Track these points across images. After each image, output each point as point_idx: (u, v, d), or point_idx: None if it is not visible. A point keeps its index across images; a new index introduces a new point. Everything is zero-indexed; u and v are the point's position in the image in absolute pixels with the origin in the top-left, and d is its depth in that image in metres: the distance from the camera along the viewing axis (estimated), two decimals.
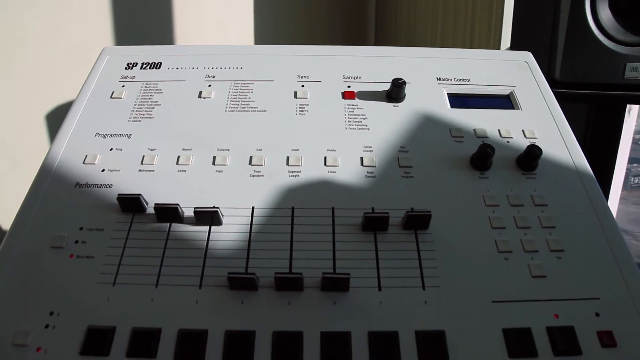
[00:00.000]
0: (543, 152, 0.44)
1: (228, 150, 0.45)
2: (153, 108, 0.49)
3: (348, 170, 0.44)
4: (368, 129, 0.47)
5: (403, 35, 1.06)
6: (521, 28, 0.65)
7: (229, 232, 0.40)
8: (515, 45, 0.65)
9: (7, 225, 0.90)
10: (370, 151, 0.45)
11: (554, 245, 0.40)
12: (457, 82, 0.52)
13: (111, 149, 0.45)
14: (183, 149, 0.45)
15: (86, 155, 0.45)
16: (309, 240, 0.39)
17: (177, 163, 0.44)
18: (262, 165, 0.44)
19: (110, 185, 0.43)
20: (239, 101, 0.49)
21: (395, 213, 0.41)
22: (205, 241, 0.39)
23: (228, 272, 0.36)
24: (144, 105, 0.49)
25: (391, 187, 0.43)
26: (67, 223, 0.40)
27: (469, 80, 0.52)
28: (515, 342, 0.35)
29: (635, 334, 0.36)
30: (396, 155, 0.45)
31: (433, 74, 0.52)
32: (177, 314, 0.36)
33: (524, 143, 0.46)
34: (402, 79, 0.48)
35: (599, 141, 0.67)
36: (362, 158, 0.45)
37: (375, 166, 0.44)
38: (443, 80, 0.52)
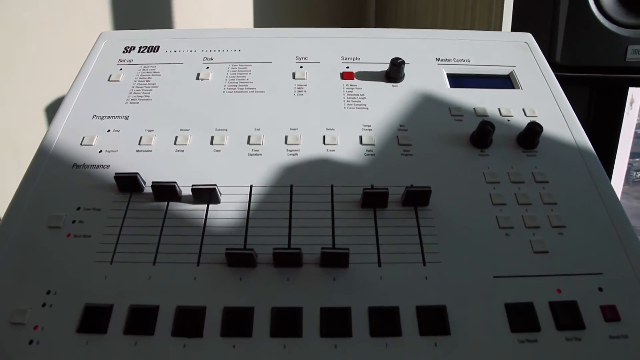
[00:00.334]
0: (544, 129, 0.43)
1: (226, 130, 0.45)
2: (151, 90, 0.48)
3: (347, 148, 0.44)
4: (367, 109, 0.47)
5: (404, 17, 1.05)
6: (522, 11, 0.65)
7: (227, 210, 0.39)
8: (516, 29, 0.64)
9: None
10: (370, 130, 0.45)
11: (555, 221, 0.40)
12: (457, 63, 0.51)
13: (108, 131, 0.45)
14: (181, 130, 0.45)
15: (83, 137, 0.44)
16: (307, 217, 0.39)
17: (174, 143, 0.44)
18: (260, 144, 0.44)
19: (108, 166, 0.42)
20: (237, 82, 0.49)
21: (395, 190, 0.40)
22: (203, 219, 0.39)
23: (226, 248, 0.35)
24: (141, 87, 0.49)
25: (391, 164, 0.43)
26: (64, 203, 0.40)
27: (468, 61, 0.52)
28: (518, 317, 0.34)
29: (638, 308, 0.35)
30: (395, 133, 0.45)
31: (432, 54, 0.52)
32: (175, 291, 0.35)
33: (524, 121, 0.46)
34: (401, 59, 0.48)
35: (601, 126, 0.66)
36: (361, 137, 0.44)
37: (374, 144, 0.44)
38: (442, 60, 0.52)
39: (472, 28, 0.76)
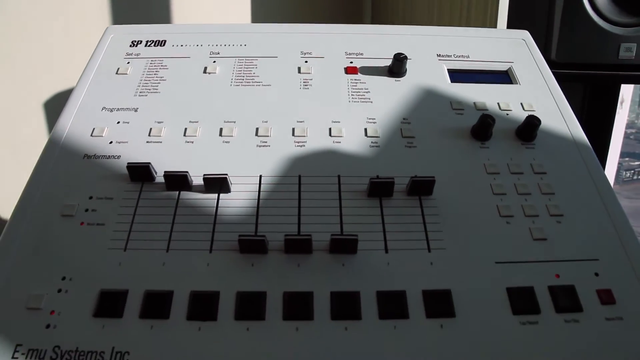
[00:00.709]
0: (541, 123, 0.45)
1: (234, 122, 0.46)
2: (159, 83, 0.49)
3: (353, 140, 0.45)
4: (371, 102, 0.48)
5: (400, 15, 1.07)
6: (518, 10, 0.67)
7: (237, 199, 0.40)
8: (512, 27, 0.66)
9: (7, 213, 0.90)
10: (374, 122, 0.46)
11: (553, 210, 0.41)
12: (457, 59, 0.53)
13: (118, 122, 0.46)
14: (190, 122, 0.46)
15: (94, 128, 0.45)
16: (316, 206, 0.40)
17: (184, 135, 0.45)
18: (268, 136, 0.45)
19: (119, 157, 0.43)
20: (243, 76, 0.50)
21: (400, 180, 0.42)
22: (214, 208, 0.40)
23: (239, 235, 0.36)
24: (149, 80, 0.49)
25: (395, 156, 0.44)
26: (76, 193, 0.41)
27: (468, 57, 0.53)
28: (519, 300, 0.36)
29: (632, 291, 0.37)
30: (399, 126, 0.46)
31: (433, 50, 0.53)
32: (188, 277, 0.36)
33: (522, 115, 0.48)
34: (403, 54, 0.49)
35: (594, 122, 0.68)
36: (366, 129, 0.46)
37: (379, 137, 0.45)
38: (443, 56, 0.53)
39: (467, 26, 0.78)
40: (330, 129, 0.45)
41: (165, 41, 0.53)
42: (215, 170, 0.42)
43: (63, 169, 0.42)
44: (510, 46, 0.55)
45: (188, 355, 0.33)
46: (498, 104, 0.49)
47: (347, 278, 0.36)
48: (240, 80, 0.50)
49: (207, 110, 0.47)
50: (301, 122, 0.46)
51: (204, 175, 0.40)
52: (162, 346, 0.33)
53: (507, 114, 0.48)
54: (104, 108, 0.47)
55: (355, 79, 0.50)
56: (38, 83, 0.92)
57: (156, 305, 0.35)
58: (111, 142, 0.44)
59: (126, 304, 0.35)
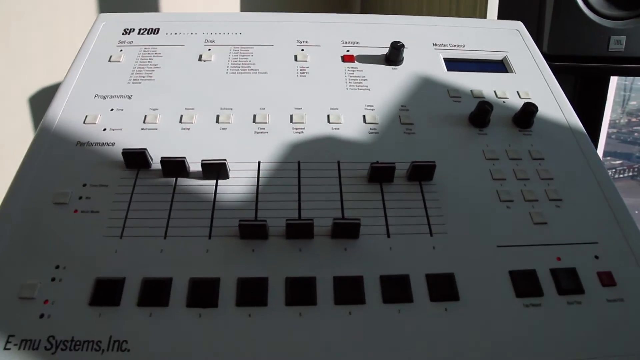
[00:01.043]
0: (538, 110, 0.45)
1: (231, 109, 0.45)
2: (153, 71, 0.48)
3: (351, 127, 0.44)
4: (369, 90, 0.48)
5: (390, 5, 1.07)
6: (508, 2, 0.67)
7: (236, 185, 0.40)
8: (502, 19, 0.67)
9: None
10: (372, 110, 0.46)
11: (552, 195, 0.41)
12: (453, 48, 0.53)
13: (112, 110, 0.45)
14: (186, 109, 0.45)
15: (86, 116, 0.44)
16: (316, 192, 0.40)
17: (180, 121, 0.44)
18: (266, 122, 0.44)
19: (113, 144, 0.42)
20: (239, 64, 0.49)
21: (400, 166, 0.41)
22: (213, 194, 0.39)
23: (239, 220, 0.36)
24: (143, 68, 0.48)
25: (394, 142, 0.44)
26: (69, 180, 0.40)
27: (463, 46, 0.53)
28: (522, 283, 0.36)
29: (632, 274, 0.37)
30: (397, 113, 0.46)
31: (429, 40, 0.54)
32: (187, 263, 0.35)
33: (519, 103, 0.48)
34: (400, 42, 0.49)
35: (584, 113, 0.69)
36: (364, 116, 0.45)
37: (377, 123, 0.45)
38: (439, 45, 0.53)
39: (457, 16, 0.78)
40: (328, 116, 0.45)
41: (158, 29, 0.52)
42: (212, 156, 0.41)
43: (55, 156, 0.41)
44: (505, 36, 0.55)
45: (189, 342, 0.32)
46: (494, 91, 0.49)
47: (350, 263, 0.36)
48: (236, 68, 0.49)
49: (203, 97, 0.46)
50: (299, 109, 0.45)
51: (202, 161, 0.39)
52: (161, 334, 0.32)
53: (504, 102, 0.48)
54: (96, 95, 0.46)
55: (352, 67, 0.50)
56: (23, 78, 0.90)
57: (155, 292, 0.34)
58: (105, 130, 0.43)
59: (123, 292, 0.34)
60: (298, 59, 0.50)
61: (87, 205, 0.38)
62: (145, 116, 0.44)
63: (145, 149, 0.40)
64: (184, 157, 0.39)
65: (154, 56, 0.50)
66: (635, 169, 1.43)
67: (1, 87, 0.87)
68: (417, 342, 0.33)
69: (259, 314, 0.33)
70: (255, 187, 0.40)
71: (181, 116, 0.44)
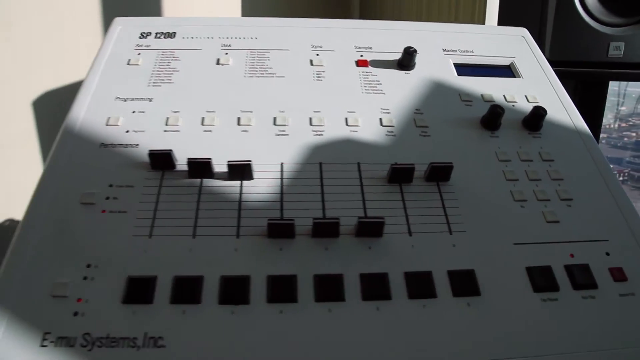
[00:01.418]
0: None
1: (251, 112, 0.46)
2: (172, 74, 0.49)
3: (369, 129, 0.46)
4: (384, 94, 0.49)
5: (389, 11, 1.09)
6: (508, 10, 0.70)
7: (260, 186, 0.41)
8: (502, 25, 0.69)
9: None
10: (388, 113, 0.48)
11: (563, 195, 0.43)
12: (462, 53, 0.55)
13: (133, 112, 0.45)
14: (207, 111, 0.46)
15: (108, 118, 0.45)
16: (338, 192, 0.41)
17: (202, 124, 0.45)
18: (286, 125, 0.45)
19: (137, 145, 0.43)
20: (257, 68, 0.50)
21: (417, 167, 0.43)
22: (238, 194, 0.40)
23: (268, 219, 0.37)
24: (162, 71, 0.49)
25: (411, 144, 0.45)
26: (95, 181, 0.40)
27: (472, 52, 0.55)
28: (539, 279, 0.37)
29: None
30: (412, 116, 0.48)
31: (439, 45, 0.55)
32: (217, 262, 0.36)
33: (527, 106, 0.50)
34: (413, 47, 0.51)
35: (584, 117, 0.71)
36: (381, 119, 0.47)
37: (394, 126, 0.46)
38: (448, 51, 0.55)
39: (456, 21, 0.80)
40: (346, 119, 0.46)
41: (175, 33, 0.53)
42: (235, 158, 0.42)
43: (79, 157, 0.42)
44: (511, 42, 0.57)
45: (223, 338, 0.33)
46: (504, 96, 0.51)
47: (375, 260, 0.37)
48: (254, 72, 0.50)
49: (223, 100, 0.47)
50: (317, 112, 0.47)
51: (228, 161, 0.40)
52: (196, 330, 0.33)
53: (513, 105, 0.50)
54: (117, 98, 0.47)
55: (366, 72, 0.51)
56: (26, 81, 0.90)
57: (187, 290, 0.35)
58: (127, 131, 0.44)
59: (155, 290, 0.35)
60: (314, 63, 0.51)
61: (115, 206, 0.39)
62: (167, 118, 0.45)
63: (171, 150, 0.40)
64: (210, 158, 0.40)
65: (172, 60, 0.50)
66: (626, 174, 1.47)
67: (4, 91, 0.86)
68: (443, 336, 0.34)
69: (290, 311, 0.34)
70: (280, 187, 0.41)
71: (202, 118, 0.45)
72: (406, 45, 0.52)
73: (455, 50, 0.55)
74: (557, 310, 0.36)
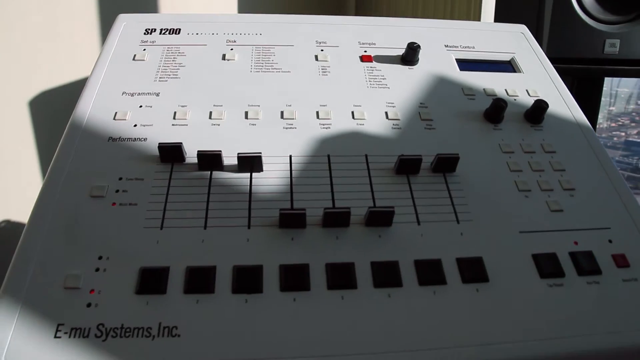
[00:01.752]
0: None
1: (259, 106, 0.46)
2: (178, 69, 0.49)
3: (375, 122, 0.46)
4: (388, 88, 0.50)
5: (384, 7, 1.10)
6: (504, 8, 0.71)
7: (270, 178, 0.41)
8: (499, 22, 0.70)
9: None
10: (393, 107, 0.48)
11: (566, 185, 0.44)
12: (463, 49, 0.56)
13: (141, 106, 0.46)
14: (214, 105, 0.46)
15: (116, 112, 0.45)
16: (347, 184, 0.41)
17: (210, 118, 0.45)
18: (293, 118, 0.46)
19: (145, 139, 0.43)
20: (262, 63, 0.51)
21: (423, 159, 0.43)
22: (248, 186, 0.40)
23: (280, 209, 0.37)
24: (168, 66, 0.49)
25: (416, 137, 0.46)
26: (104, 174, 0.40)
27: (473, 48, 0.56)
28: (545, 265, 0.38)
29: None
30: (417, 110, 0.48)
31: (441, 41, 0.56)
32: (229, 252, 0.37)
33: (529, 100, 0.51)
34: (416, 43, 0.51)
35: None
36: (386, 112, 0.47)
37: (399, 119, 0.47)
38: (450, 47, 0.56)
39: (451, 19, 0.82)
40: (352, 112, 0.47)
41: (179, 29, 0.53)
42: (244, 151, 0.42)
43: (88, 151, 0.42)
44: (510, 39, 0.58)
45: (237, 326, 0.33)
46: (505, 90, 0.52)
47: (385, 249, 0.38)
48: (260, 67, 0.50)
49: (230, 95, 0.47)
50: (324, 105, 0.47)
51: (238, 153, 0.40)
52: (210, 319, 0.33)
53: (515, 99, 0.51)
54: (124, 93, 0.47)
55: (371, 67, 0.52)
56: (23, 82, 0.89)
57: (200, 280, 0.35)
58: (135, 125, 0.44)
59: (168, 280, 0.35)
60: (319, 58, 0.52)
61: (125, 198, 0.39)
62: (175, 112, 0.45)
63: (181, 142, 0.41)
64: (220, 151, 0.40)
65: (177, 55, 0.51)
66: None
67: (1, 90, 0.86)
68: (454, 321, 0.34)
69: (303, 298, 0.35)
70: (289, 179, 0.41)
71: (210, 112, 0.45)
72: (409, 41, 0.52)
73: (457, 46, 0.56)
74: (563, 295, 0.37)
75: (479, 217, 0.41)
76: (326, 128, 0.45)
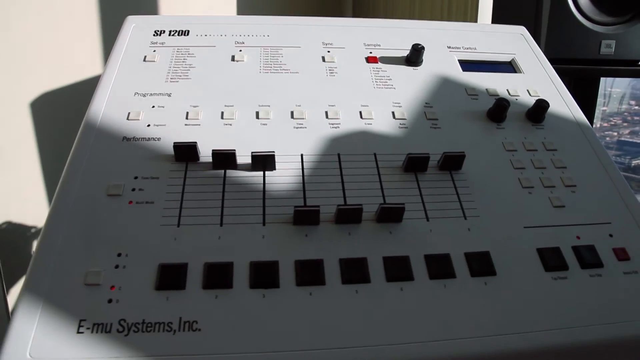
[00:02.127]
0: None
1: (269, 106, 0.48)
2: (189, 70, 0.50)
3: (382, 122, 0.48)
4: (394, 88, 0.51)
5: (382, 8, 1.11)
6: (502, 10, 0.72)
7: (282, 176, 0.42)
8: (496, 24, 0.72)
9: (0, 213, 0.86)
10: (400, 106, 0.50)
11: (567, 182, 0.46)
12: (465, 50, 0.57)
13: (153, 107, 0.46)
14: (225, 105, 0.47)
15: (129, 112, 0.46)
16: (357, 181, 0.43)
17: (222, 118, 0.46)
18: (303, 118, 0.47)
19: (159, 139, 0.44)
20: (271, 64, 0.52)
21: (430, 157, 0.45)
22: (262, 184, 0.41)
23: (295, 206, 0.38)
24: (178, 67, 0.50)
25: (423, 136, 0.47)
26: (120, 173, 0.41)
27: (475, 49, 0.57)
28: (549, 259, 0.40)
29: None
30: (423, 109, 0.50)
31: (443, 43, 0.58)
32: (245, 248, 0.38)
33: (530, 100, 0.52)
34: (421, 44, 0.53)
35: None
36: (393, 112, 0.49)
37: (406, 119, 0.48)
38: (453, 48, 0.57)
39: (448, 20, 0.83)
40: (360, 112, 0.48)
41: (188, 31, 0.54)
42: (256, 150, 0.43)
43: (102, 151, 0.43)
44: (511, 40, 0.60)
45: (256, 320, 0.34)
46: (507, 90, 0.53)
47: (396, 244, 0.39)
48: (269, 68, 0.51)
49: (240, 95, 0.48)
50: (332, 105, 0.48)
51: (252, 152, 0.41)
52: (229, 314, 0.34)
53: (516, 99, 0.53)
54: (136, 93, 0.48)
55: (376, 68, 0.53)
56: (24, 83, 0.89)
57: (218, 276, 0.36)
58: (149, 125, 0.45)
59: (187, 276, 0.36)
60: (326, 60, 0.53)
61: (141, 197, 0.40)
62: (187, 112, 0.46)
63: (196, 142, 0.42)
64: (234, 150, 0.41)
65: (187, 56, 0.52)
66: None
67: (2, 92, 0.86)
68: (464, 313, 0.36)
69: (318, 293, 0.36)
70: (301, 177, 0.42)
71: (222, 112, 0.46)
72: (413, 43, 0.54)
73: (459, 47, 0.57)
74: (567, 287, 0.38)
75: (485, 213, 0.42)
76: (335, 127, 0.46)
